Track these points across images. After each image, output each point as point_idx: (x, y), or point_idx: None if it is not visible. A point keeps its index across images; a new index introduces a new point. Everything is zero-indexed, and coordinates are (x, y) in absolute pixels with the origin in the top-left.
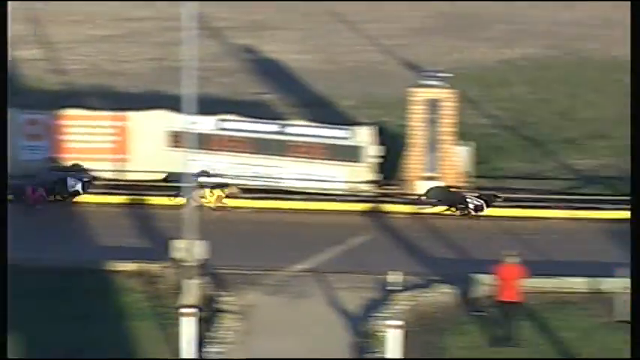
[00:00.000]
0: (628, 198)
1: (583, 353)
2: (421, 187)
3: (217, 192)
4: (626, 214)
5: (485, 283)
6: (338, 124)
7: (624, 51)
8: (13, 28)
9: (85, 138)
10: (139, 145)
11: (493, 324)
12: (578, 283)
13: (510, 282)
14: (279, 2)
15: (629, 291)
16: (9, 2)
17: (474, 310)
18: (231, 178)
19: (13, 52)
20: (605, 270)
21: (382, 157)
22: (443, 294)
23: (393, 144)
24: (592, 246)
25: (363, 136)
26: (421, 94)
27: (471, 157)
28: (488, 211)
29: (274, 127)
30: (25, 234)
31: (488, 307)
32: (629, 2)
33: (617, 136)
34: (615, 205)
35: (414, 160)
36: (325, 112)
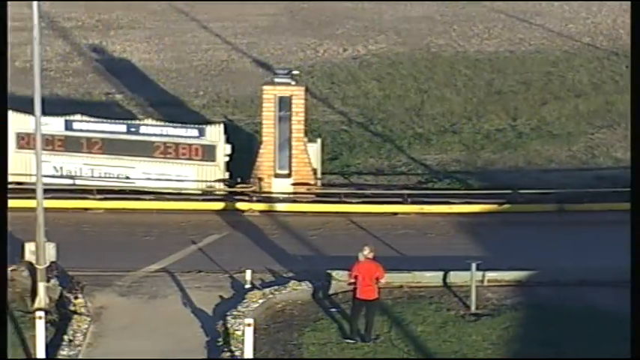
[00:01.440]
0: (476, 192)
1: (439, 347)
2: (273, 185)
3: None
4: (475, 208)
5: (339, 279)
6: (189, 123)
7: (473, 46)
8: None
9: None
10: None
11: (348, 320)
12: (430, 277)
13: (367, 279)
14: (126, 1)
15: (481, 284)
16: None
17: (328, 306)
18: (83, 179)
19: None
20: (457, 263)
21: (233, 155)
22: (297, 291)
23: (244, 142)
24: (442, 240)
25: (214, 135)
26: (272, 92)
27: (321, 154)
28: (339, 207)
29: (125, 127)
30: None
31: (343, 304)
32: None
33: (466, 131)
34: (464, 199)
35: (266, 158)
36: (176, 112)
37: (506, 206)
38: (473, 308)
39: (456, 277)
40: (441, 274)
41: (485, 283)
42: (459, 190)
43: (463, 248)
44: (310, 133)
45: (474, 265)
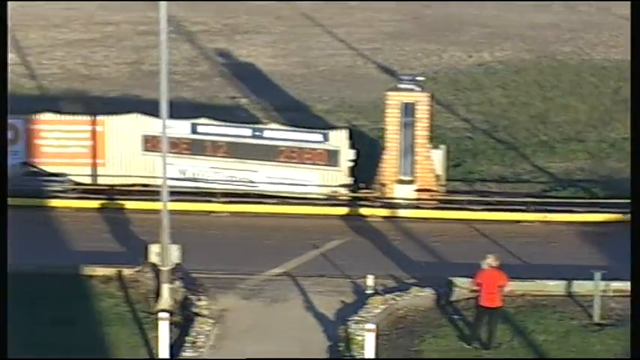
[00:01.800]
0: (601, 201)
1: (561, 357)
2: (396, 191)
3: None
4: (599, 217)
5: (462, 286)
6: (312, 128)
7: (599, 54)
8: None
9: (60, 143)
10: (114, 150)
11: (470, 327)
12: (553, 286)
13: (491, 287)
14: (252, 5)
15: (605, 293)
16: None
17: (450, 313)
18: (207, 182)
19: None
20: (580, 273)
21: (357, 160)
22: (419, 297)
23: (367, 147)
24: (566, 249)
25: (338, 140)
26: (396, 98)
27: (445, 160)
28: (462, 214)
29: (249, 131)
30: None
31: (465, 310)
32: (617, 2)
33: (592, 140)
34: (589, 207)
35: (389, 164)
36: (300, 116)
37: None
38: (596, 318)
39: (580, 287)
40: (564, 283)
41: (610, 294)
42: (583, 198)
43: (587, 257)
44: (434, 140)
45: (598, 275)
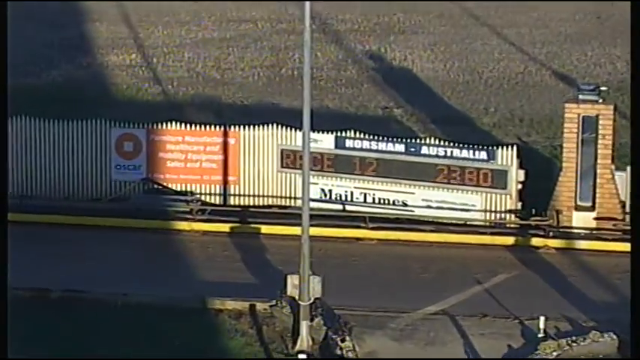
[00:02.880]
0: None
1: None
2: (573, 218)
3: None
4: None
5: None
6: (477, 145)
7: None
8: (108, 30)
9: (187, 156)
10: (248, 165)
11: None
12: None
13: None
14: (410, 2)
15: None
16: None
17: None
18: (353, 205)
19: (107, 58)
20: None
21: (527, 182)
22: (599, 343)
23: (540, 167)
24: None
25: (506, 159)
26: (575, 111)
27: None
28: None
29: (403, 147)
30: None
31: None
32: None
33: None
34: None
35: (566, 187)
36: (462, 130)
37: None
38: None
39: None
40: None
41: None
42: None
43: None
44: (618, 160)
45: None
